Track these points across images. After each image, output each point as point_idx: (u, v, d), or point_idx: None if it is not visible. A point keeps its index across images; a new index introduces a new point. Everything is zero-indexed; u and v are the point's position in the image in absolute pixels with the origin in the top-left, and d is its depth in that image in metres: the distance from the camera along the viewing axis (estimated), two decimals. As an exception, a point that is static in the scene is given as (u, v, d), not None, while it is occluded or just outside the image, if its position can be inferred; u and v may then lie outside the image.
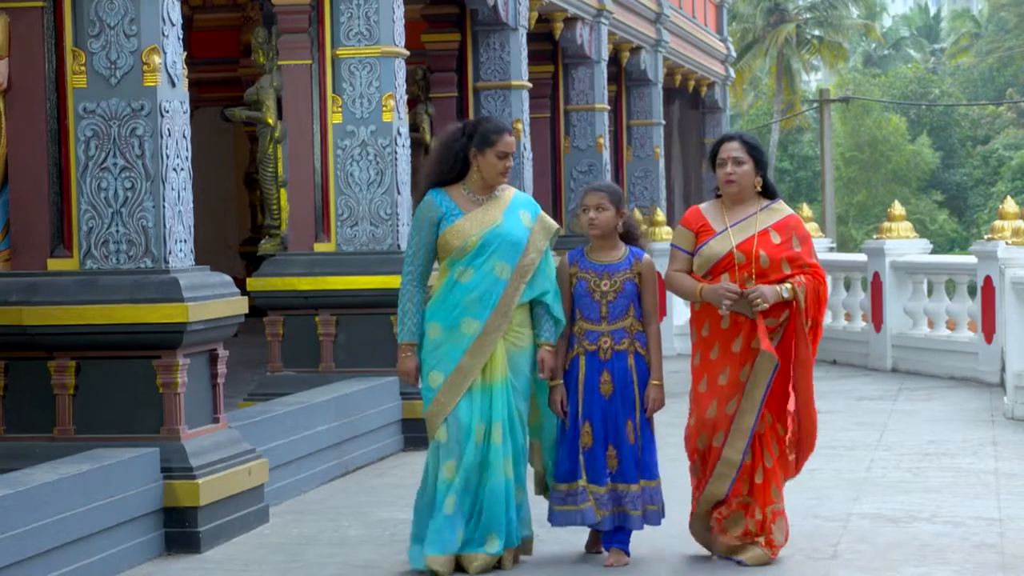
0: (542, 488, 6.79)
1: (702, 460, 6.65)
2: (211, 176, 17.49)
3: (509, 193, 6.59)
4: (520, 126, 14.06)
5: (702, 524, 6.69)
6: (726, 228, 6.56)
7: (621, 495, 6.54)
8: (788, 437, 6.64)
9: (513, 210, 6.52)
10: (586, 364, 6.54)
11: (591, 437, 6.52)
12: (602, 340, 6.52)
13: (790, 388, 6.61)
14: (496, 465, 6.40)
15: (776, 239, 6.55)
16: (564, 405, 6.54)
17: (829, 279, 16.90)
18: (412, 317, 6.47)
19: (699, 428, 6.62)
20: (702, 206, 6.70)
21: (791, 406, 6.62)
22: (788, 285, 6.48)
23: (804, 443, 6.70)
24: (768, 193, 6.66)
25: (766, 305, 6.40)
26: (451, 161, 6.50)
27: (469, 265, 6.41)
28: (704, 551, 6.77)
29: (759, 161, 6.58)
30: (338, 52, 10.12)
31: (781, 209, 6.65)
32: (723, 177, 6.59)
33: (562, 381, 6.56)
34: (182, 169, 7.56)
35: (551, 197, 17.36)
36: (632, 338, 6.54)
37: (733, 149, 6.59)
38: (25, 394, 7.44)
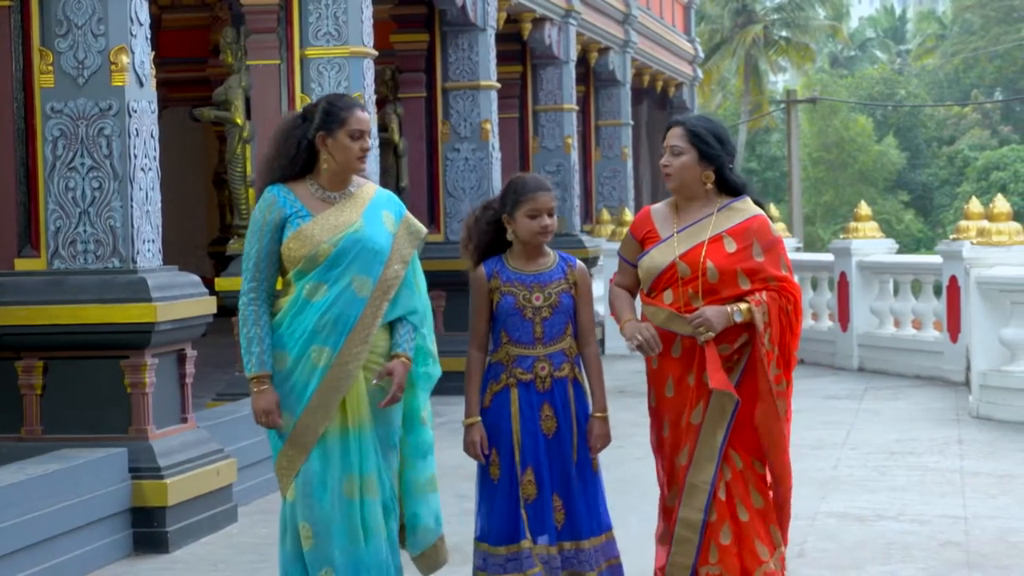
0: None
1: (667, 519, 5.43)
2: (179, 176, 17.44)
3: (369, 190, 5.24)
4: (489, 126, 14.07)
5: None
6: (672, 234, 5.32)
7: (573, 555, 5.32)
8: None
9: (374, 210, 5.18)
10: (520, 397, 5.30)
11: (535, 486, 5.29)
12: (538, 367, 5.29)
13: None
14: (375, 529, 5.09)
15: (731, 247, 5.26)
16: (483, 447, 5.31)
17: (796, 281, 16.77)
18: (260, 343, 5.10)
19: (670, 482, 5.40)
20: (654, 207, 5.46)
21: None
22: (744, 306, 5.21)
23: (781, 502, 5.38)
24: (731, 190, 5.35)
25: (711, 335, 5.17)
26: (292, 151, 5.15)
27: (321, 280, 5.07)
28: None
29: (706, 154, 5.27)
30: (307, 52, 10.11)
31: (744, 209, 5.32)
32: (661, 168, 5.40)
33: (479, 419, 5.32)
34: (150, 169, 7.55)
35: (519, 197, 17.34)
36: (572, 363, 5.35)
37: (672, 136, 5.34)
38: (-8, 394, 7.42)
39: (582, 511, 5.32)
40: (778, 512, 5.34)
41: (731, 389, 5.19)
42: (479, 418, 5.33)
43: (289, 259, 5.11)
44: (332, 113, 5.11)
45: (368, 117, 5.15)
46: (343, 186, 5.17)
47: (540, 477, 5.29)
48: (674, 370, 5.28)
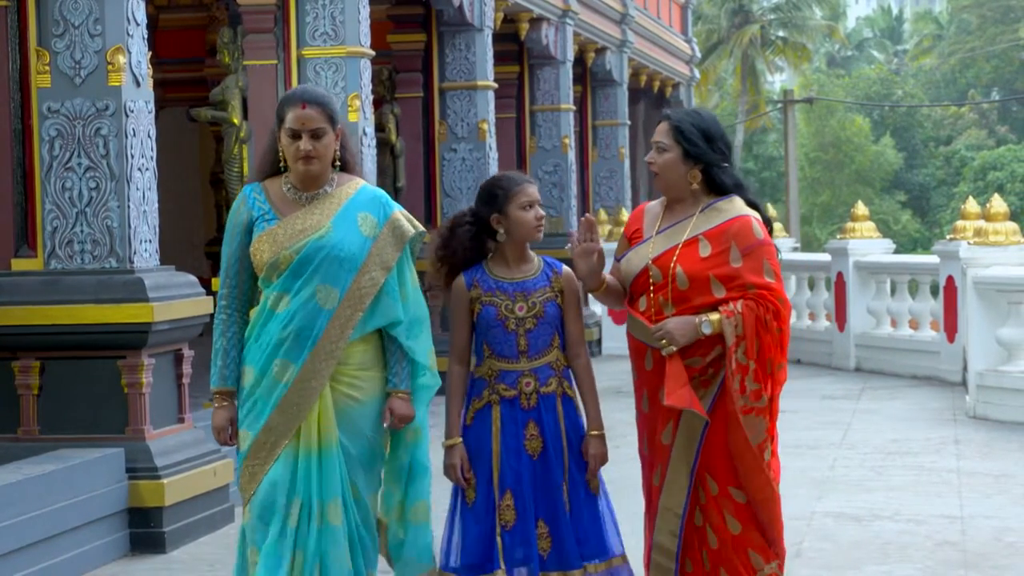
0: None
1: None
2: (176, 176, 17.43)
3: (350, 188, 4.79)
4: (486, 126, 14.08)
5: None
6: (651, 236, 4.89)
7: None
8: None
9: (348, 213, 4.73)
10: (503, 415, 4.91)
11: (514, 512, 4.89)
12: (523, 382, 4.90)
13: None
14: (338, 557, 4.67)
15: (705, 251, 4.78)
16: (465, 470, 4.92)
17: (792, 280, 16.07)
18: (224, 356, 4.77)
19: (646, 500, 5.00)
20: (649, 205, 5.06)
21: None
22: (714, 316, 4.71)
23: (768, 521, 4.88)
24: (720, 189, 4.87)
25: (673, 348, 4.71)
26: (269, 147, 4.84)
27: (284, 290, 4.68)
28: None
29: (690, 153, 4.82)
30: (303, 52, 10.11)
31: (727, 209, 4.83)
32: (648, 165, 4.98)
33: (460, 439, 4.93)
34: (147, 169, 7.55)
35: (516, 197, 17.33)
36: (560, 376, 4.96)
37: (658, 132, 4.89)
38: (-11, 395, 7.42)
39: (570, 538, 4.91)
40: (768, 530, 4.88)
41: (695, 407, 4.73)
42: (460, 439, 4.94)
43: (255, 265, 4.75)
44: (278, 109, 4.76)
45: (312, 114, 4.67)
46: (316, 185, 4.75)
47: (522, 501, 4.90)
48: (648, 384, 4.86)
